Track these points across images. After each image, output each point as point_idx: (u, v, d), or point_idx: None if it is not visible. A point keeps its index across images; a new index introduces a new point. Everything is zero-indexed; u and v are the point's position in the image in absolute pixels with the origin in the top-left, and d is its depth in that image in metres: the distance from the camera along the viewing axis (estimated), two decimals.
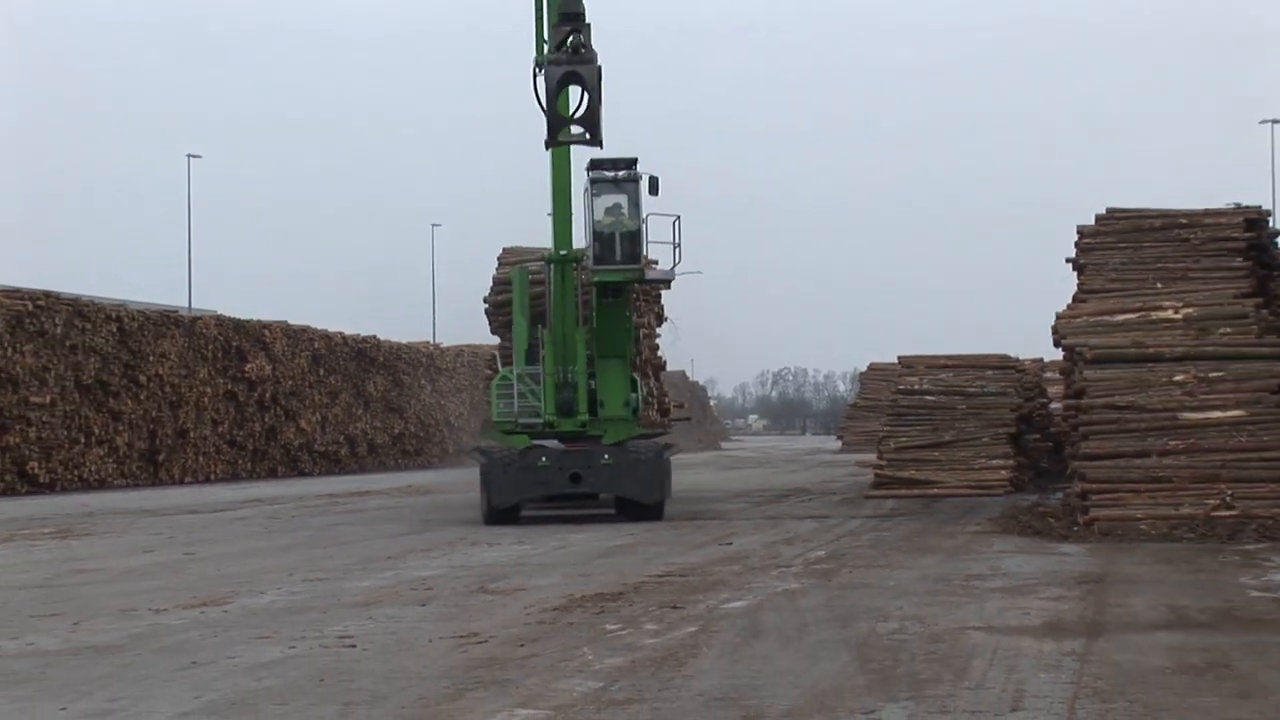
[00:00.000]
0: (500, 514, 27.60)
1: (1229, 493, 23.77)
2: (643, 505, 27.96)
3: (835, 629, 13.91)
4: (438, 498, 39.00)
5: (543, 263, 31.47)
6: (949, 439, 35.39)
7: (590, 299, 30.74)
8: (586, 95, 27.37)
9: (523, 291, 31.10)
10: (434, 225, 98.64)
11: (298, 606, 16.22)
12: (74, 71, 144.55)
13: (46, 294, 45.76)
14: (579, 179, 30.00)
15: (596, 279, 29.62)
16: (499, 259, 36.17)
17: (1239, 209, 28.74)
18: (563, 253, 28.83)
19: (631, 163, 29.64)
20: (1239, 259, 27.71)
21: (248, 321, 56.74)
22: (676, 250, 29.83)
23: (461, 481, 44.84)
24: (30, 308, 44.14)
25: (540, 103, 27.52)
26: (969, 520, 27.03)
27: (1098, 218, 28.85)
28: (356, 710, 10.47)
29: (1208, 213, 28.44)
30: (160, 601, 16.72)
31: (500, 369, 30.80)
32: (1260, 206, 29.69)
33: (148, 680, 11.76)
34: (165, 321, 51.62)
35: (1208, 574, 18.11)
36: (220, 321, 55.41)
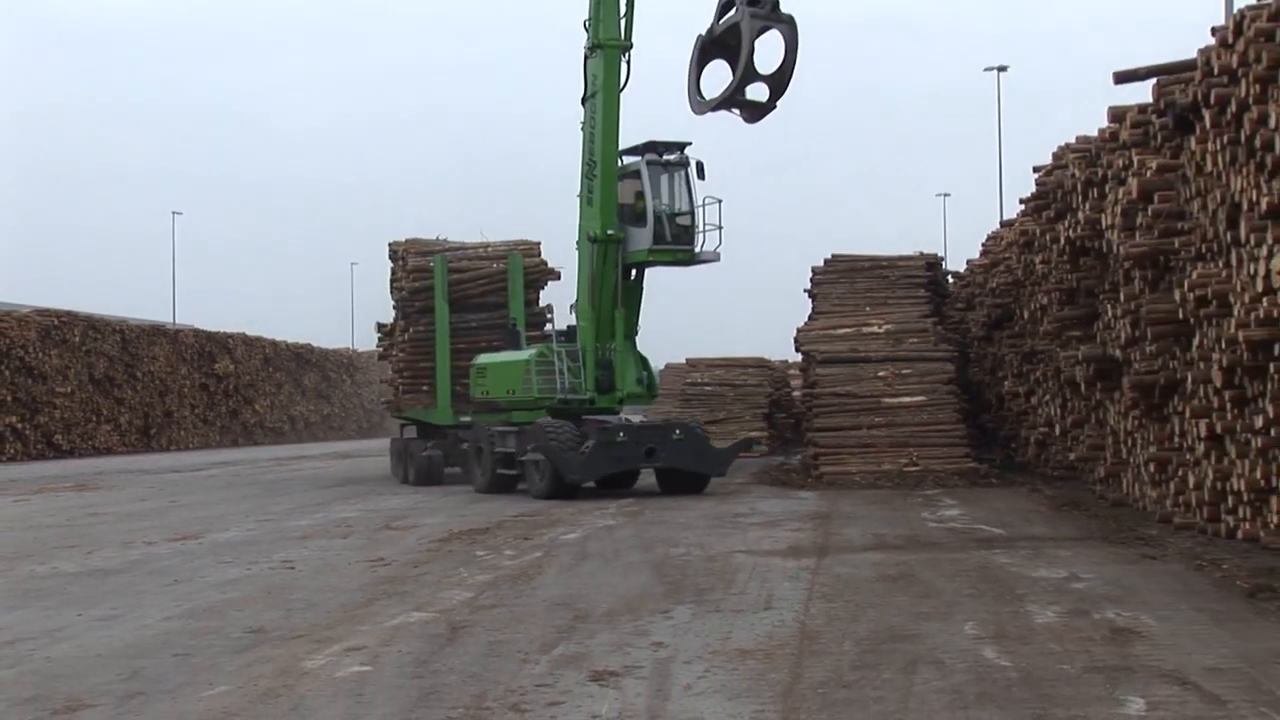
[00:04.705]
0: (565, 489, 21.44)
1: (915, 454, 24.30)
2: (698, 478, 22.46)
3: (641, 553, 13.94)
4: (356, 461, 38.53)
5: (446, 252, 27.47)
6: (722, 417, 35.57)
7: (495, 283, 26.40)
8: (785, 54, 22.41)
9: (443, 279, 26.75)
10: (353, 264, 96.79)
11: (252, 540, 15.96)
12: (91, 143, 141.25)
13: (68, 312, 45.15)
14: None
15: (651, 258, 22.76)
16: (401, 250, 28.75)
17: (922, 255, 29.28)
18: (609, 232, 22.49)
19: (684, 146, 23.00)
20: (922, 290, 28.22)
21: (216, 333, 55.94)
22: (720, 232, 22.97)
23: (374, 448, 44.37)
24: (56, 322, 43.51)
25: (587, 78, 22.66)
26: (736, 475, 27.16)
27: (825, 260, 29.16)
28: (295, 614, 10.30)
29: (901, 258, 28.92)
30: (152, 536, 16.38)
31: (531, 348, 23.84)
32: (936, 254, 30.32)
33: (142, 594, 11.51)
34: (156, 333, 50.97)
35: (900, 511, 18.44)
36: (196, 333, 54.59)
